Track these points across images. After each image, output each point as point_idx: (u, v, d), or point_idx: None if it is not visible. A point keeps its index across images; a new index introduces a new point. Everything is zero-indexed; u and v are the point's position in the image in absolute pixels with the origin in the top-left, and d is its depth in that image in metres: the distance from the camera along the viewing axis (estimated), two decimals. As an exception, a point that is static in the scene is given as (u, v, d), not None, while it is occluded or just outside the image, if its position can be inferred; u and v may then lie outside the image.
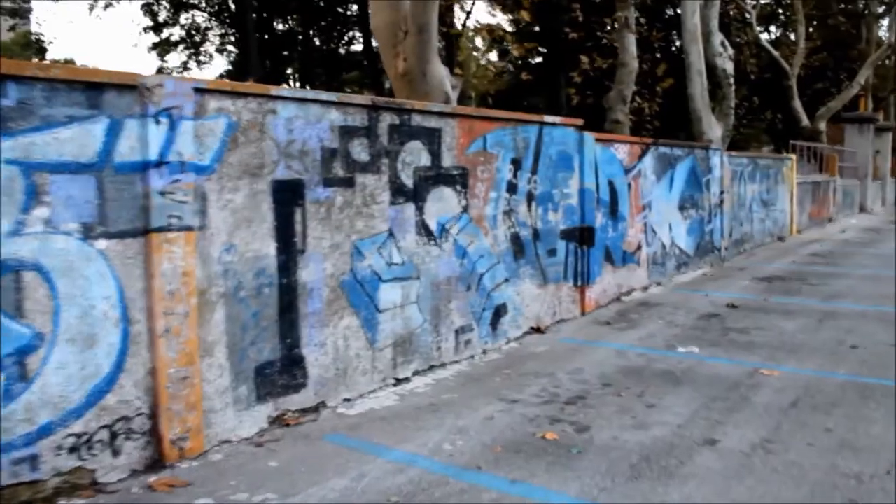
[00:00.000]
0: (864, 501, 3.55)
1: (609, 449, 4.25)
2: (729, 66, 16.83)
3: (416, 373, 5.78)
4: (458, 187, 6.13)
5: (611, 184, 8.60)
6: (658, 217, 9.93)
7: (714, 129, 16.14)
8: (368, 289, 5.35)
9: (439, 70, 8.76)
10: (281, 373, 4.79)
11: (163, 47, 34.86)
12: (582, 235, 7.87)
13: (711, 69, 16.35)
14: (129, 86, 3.95)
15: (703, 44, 15.98)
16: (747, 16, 24.43)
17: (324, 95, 4.97)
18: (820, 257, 13.01)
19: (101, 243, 3.86)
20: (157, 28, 33.47)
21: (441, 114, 5.89)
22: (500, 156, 6.61)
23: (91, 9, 36.20)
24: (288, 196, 4.76)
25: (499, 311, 6.67)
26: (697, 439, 4.37)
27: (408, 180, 5.62)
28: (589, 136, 7.96)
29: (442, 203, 5.96)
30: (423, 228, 5.80)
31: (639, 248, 9.40)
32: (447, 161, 6.00)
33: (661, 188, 10.03)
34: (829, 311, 8.02)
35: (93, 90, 3.79)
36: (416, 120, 5.67)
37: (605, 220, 8.51)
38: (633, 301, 8.85)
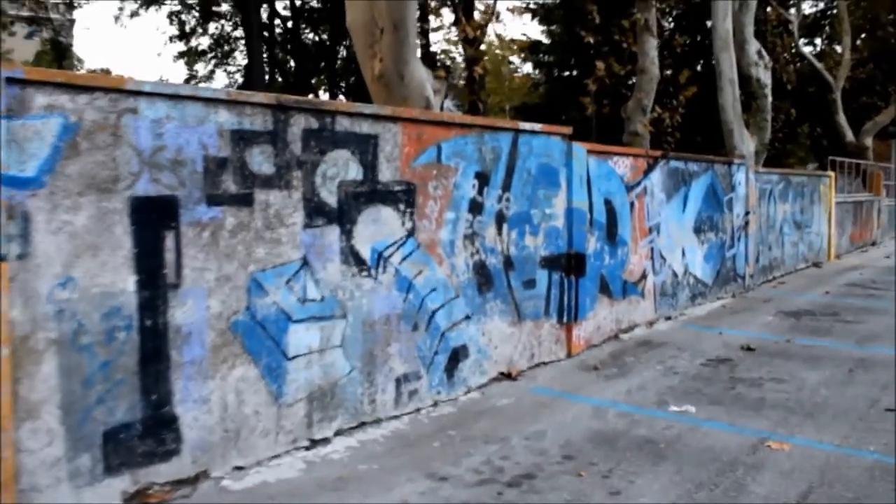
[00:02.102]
0: None
1: (540, 565, 3.17)
2: (765, 76, 15.57)
3: (339, 432, 4.74)
4: (402, 206, 5.10)
5: (608, 203, 7.47)
6: (668, 241, 8.75)
7: (747, 144, 14.88)
8: (272, 331, 4.33)
9: (419, 72, 7.77)
10: (143, 437, 3.80)
11: (190, 56, 34.60)
12: (569, 263, 6.77)
13: (745, 79, 15.12)
14: (-90, 73, 3.03)
15: (737, 52, 14.79)
16: (790, 26, 23.02)
17: (207, 92, 4.00)
18: (859, 287, 11.64)
19: None
20: (184, 37, 33.18)
21: (377, 117, 4.86)
22: (461, 169, 5.56)
23: (116, 18, 36.26)
24: (154, 217, 3.79)
25: (457, 355, 5.61)
26: (663, 554, 3.26)
27: (330, 198, 4.61)
28: (579, 147, 6.86)
29: (378, 226, 4.93)
30: (352, 256, 4.78)
31: (643, 277, 8.24)
32: (386, 175, 4.97)
33: (673, 208, 8.85)
34: (863, 359, 6.77)
35: None
36: (343, 124, 4.65)
37: (601, 244, 7.39)
38: (634, 340, 7.69)
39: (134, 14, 30.37)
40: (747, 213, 10.97)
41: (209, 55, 34.96)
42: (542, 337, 6.55)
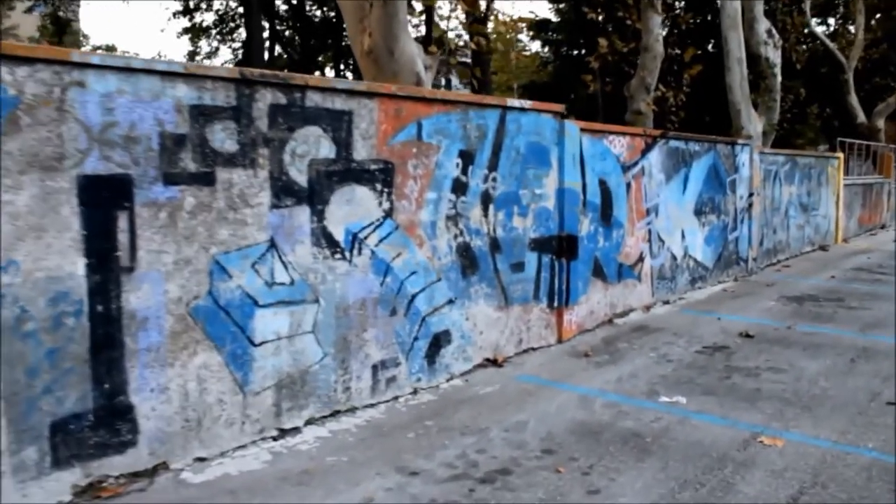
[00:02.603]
0: None
1: (506, 571, 2.96)
2: (774, 56, 15.18)
3: (310, 421, 4.54)
4: (379, 186, 4.86)
5: (602, 183, 7.20)
6: (667, 223, 8.48)
7: (755, 124, 14.56)
8: (237, 316, 4.12)
9: (409, 47, 7.52)
10: (95, 428, 3.61)
11: (194, 32, 34.23)
12: (560, 245, 6.52)
13: (754, 58, 14.74)
14: None
15: (746, 30, 14.41)
16: (802, 4, 22.49)
17: (162, 65, 3.75)
18: (865, 272, 11.34)
19: None
20: (187, 12, 32.80)
21: (351, 92, 4.61)
22: (443, 147, 5.31)
23: (120, -8, 35.84)
24: (106, 196, 3.56)
25: (438, 341, 5.39)
26: (638, 561, 3.04)
27: (300, 177, 4.37)
28: (572, 126, 6.59)
29: (353, 206, 4.70)
30: (324, 238, 4.55)
31: (640, 260, 7.99)
32: (362, 153, 4.73)
33: (673, 189, 8.57)
34: (866, 347, 6.52)
35: None
36: (314, 99, 4.40)
37: (595, 226, 7.13)
38: (628, 325, 7.45)
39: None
40: (751, 195, 10.67)
41: (213, 31, 34.63)
42: (531, 322, 6.32)
